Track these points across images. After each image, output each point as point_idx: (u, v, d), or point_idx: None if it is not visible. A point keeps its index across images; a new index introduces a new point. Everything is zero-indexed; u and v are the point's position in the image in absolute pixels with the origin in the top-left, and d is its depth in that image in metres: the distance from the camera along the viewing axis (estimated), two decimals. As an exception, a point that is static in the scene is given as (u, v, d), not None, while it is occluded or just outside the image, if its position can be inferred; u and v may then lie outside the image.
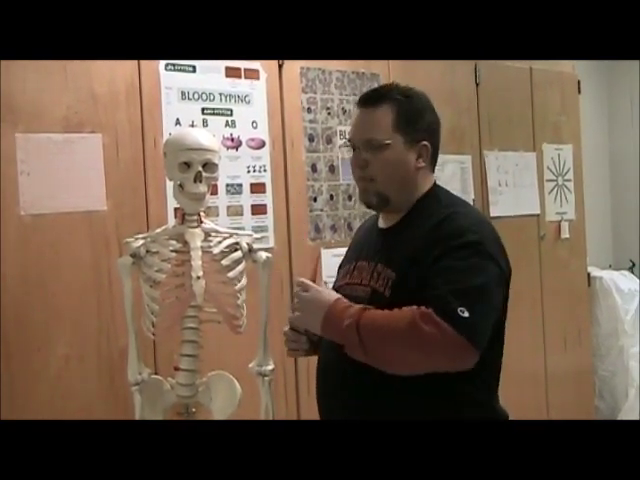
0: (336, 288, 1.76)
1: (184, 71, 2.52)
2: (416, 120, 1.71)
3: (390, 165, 1.68)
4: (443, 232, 1.61)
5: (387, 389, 1.58)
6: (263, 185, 2.70)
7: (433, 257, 1.57)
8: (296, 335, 1.75)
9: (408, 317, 1.50)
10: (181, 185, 2.03)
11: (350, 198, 2.95)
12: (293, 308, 1.71)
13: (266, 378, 2.07)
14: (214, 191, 2.42)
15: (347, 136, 1.78)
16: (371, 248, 1.75)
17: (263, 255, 2.09)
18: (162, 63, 2.47)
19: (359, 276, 1.71)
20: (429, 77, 3.15)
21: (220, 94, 2.61)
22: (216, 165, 2.06)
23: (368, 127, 1.70)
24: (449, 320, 1.48)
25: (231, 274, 2.03)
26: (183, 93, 2.52)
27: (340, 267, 1.86)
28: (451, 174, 3.32)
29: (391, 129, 1.68)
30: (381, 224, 1.78)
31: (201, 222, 2.05)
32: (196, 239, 2.01)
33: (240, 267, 2.06)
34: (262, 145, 2.71)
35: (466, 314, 1.49)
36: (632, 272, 4.61)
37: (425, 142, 1.71)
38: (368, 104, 1.72)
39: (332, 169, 2.91)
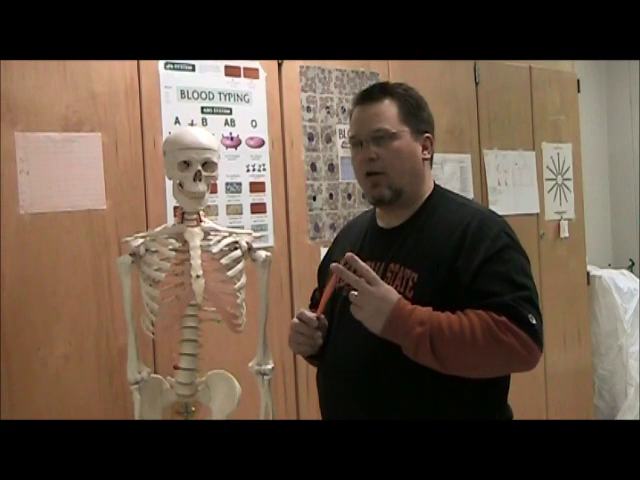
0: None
1: (183, 70, 2.52)
2: (418, 112, 1.74)
3: (400, 156, 1.68)
4: (479, 235, 1.59)
5: (425, 387, 1.57)
6: (262, 184, 2.70)
7: (478, 262, 1.56)
8: (311, 330, 1.68)
9: (484, 326, 1.50)
10: (180, 184, 2.03)
11: (349, 197, 2.96)
12: (351, 296, 1.56)
13: (265, 377, 2.07)
14: (213, 190, 2.42)
15: (349, 134, 1.76)
16: (375, 247, 1.72)
17: (262, 254, 2.09)
18: (161, 62, 2.47)
19: None
20: (428, 76, 3.15)
21: (219, 93, 2.61)
22: (215, 164, 2.06)
23: (375, 119, 1.69)
24: (524, 328, 1.51)
25: (230, 273, 2.03)
26: (182, 92, 2.52)
27: (327, 269, 1.79)
28: (450, 173, 3.32)
29: (398, 120, 1.69)
30: (382, 223, 1.76)
31: (200, 221, 2.05)
32: (195, 238, 2.01)
33: (239, 266, 2.05)
34: (261, 144, 2.71)
35: (534, 320, 1.53)
36: (631, 271, 4.62)
37: (428, 134, 1.74)
38: (369, 99, 1.72)
39: (331, 168, 2.91)
